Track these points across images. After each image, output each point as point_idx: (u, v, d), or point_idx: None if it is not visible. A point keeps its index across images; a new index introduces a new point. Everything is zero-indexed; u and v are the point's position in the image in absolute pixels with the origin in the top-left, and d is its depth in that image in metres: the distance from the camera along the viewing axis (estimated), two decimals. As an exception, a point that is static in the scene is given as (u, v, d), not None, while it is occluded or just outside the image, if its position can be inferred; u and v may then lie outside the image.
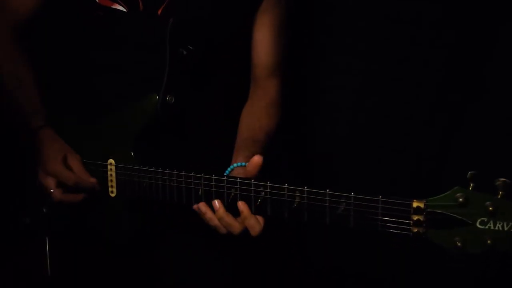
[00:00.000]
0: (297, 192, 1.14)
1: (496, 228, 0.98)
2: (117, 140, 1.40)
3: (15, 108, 1.47)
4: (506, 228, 0.97)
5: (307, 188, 1.13)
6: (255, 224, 1.19)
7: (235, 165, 1.34)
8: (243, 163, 1.32)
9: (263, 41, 1.46)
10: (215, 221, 1.21)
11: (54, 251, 1.50)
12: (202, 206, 1.23)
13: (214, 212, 1.21)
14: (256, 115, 1.46)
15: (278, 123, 1.48)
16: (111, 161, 1.42)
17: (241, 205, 1.19)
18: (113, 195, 1.43)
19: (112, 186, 1.43)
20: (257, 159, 1.18)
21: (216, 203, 1.21)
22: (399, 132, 1.73)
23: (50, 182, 1.41)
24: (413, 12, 1.67)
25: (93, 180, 1.40)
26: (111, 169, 1.42)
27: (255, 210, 1.20)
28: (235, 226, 1.20)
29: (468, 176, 1.00)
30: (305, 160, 1.88)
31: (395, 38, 1.70)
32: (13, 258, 1.52)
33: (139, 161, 1.39)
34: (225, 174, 1.34)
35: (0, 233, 1.55)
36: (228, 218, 1.20)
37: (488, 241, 0.97)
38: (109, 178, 1.43)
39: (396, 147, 1.75)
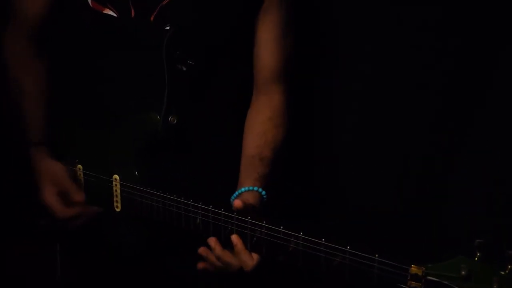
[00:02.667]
0: (292, 237, 1.08)
1: (502, 306, 0.88)
2: (121, 157, 1.38)
3: (18, 117, 1.47)
4: (513, 308, 0.88)
5: (302, 234, 1.07)
6: (248, 259, 1.16)
7: (242, 189, 1.29)
8: (252, 187, 1.28)
9: (267, 42, 1.35)
10: (213, 259, 1.18)
11: (65, 255, 1.53)
12: (212, 241, 1.19)
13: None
14: (263, 128, 1.37)
15: (285, 134, 1.38)
16: (116, 177, 1.40)
17: (235, 238, 1.15)
18: (118, 210, 1.42)
19: (117, 202, 1.42)
20: (236, 203, 1.14)
21: (212, 241, 1.18)
22: (404, 137, 1.65)
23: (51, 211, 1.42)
24: (420, 16, 1.56)
25: (79, 198, 1.38)
26: (115, 184, 1.41)
27: (251, 248, 1.16)
28: (233, 263, 1.17)
29: (475, 244, 0.90)
30: (309, 163, 1.80)
31: (401, 42, 1.59)
32: (24, 259, 1.56)
33: (144, 180, 1.36)
34: (232, 198, 1.30)
35: (15, 234, 1.59)
36: (226, 256, 1.17)
37: (492, 321, 0.88)
38: (114, 194, 1.42)
39: (402, 152, 1.67)
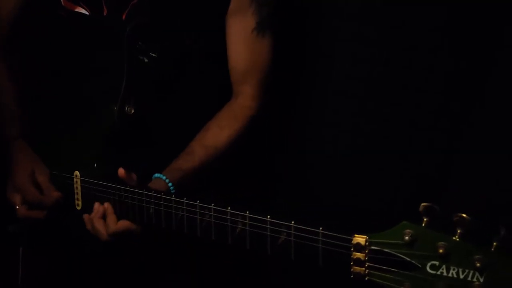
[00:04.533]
0: (239, 217, 1.03)
1: (450, 275, 0.80)
2: (81, 152, 1.36)
3: None
4: (461, 276, 0.79)
5: (249, 213, 1.01)
6: (111, 223, 1.24)
7: (155, 175, 1.28)
8: (161, 175, 1.27)
9: (235, 45, 1.36)
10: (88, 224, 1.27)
11: (28, 260, 1.48)
12: (96, 205, 1.28)
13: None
14: (208, 125, 1.36)
15: (230, 136, 1.35)
16: (77, 173, 1.37)
17: (106, 204, 1.25)
18: (78, 208, 1.38)
19: (78, 199, 1.38)
20: (119, 171, 1.20)
21: (96, 205, 1.26)
22: (401, 139, 1.62)
23: (16, 198, 1.40)
24: (416, 18, 1.54)
25: (56, 194, 1.37)
26: (76, 181, 1.38)
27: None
28: (102, 231, 1.24)
29: (420, 208, 0.83)
30: (305, 166, 1.77)
31: (397, 45, 1.56)
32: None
33: (104, 173, 1.33)
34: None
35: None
36: (98, 224, 1.24)
37: (440, 290, 0.80)
38: (75, 191, 1.38)
39: (399, 155, 1.63)
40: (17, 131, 1.45)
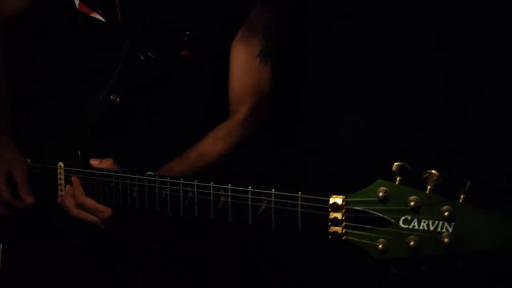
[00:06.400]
0: (222, 190, 1.06)
1: (421, 227, 0.85)
2: (65, 140, 1.38)
3: None
4: (431, 228, 0.84)
5: (231, 186, 1.05)
6: (78, 194, 1.28)
7: (147, 173, 1.27)
8: (152, 174, 1.28)
9: (235, 69, 1.43)
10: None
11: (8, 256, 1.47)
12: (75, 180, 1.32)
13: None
14: (207, 135, 1.41)
15: (224, 149, 1.40)
16: (61, 164, 1.39)
17: (73, 178, 1.31)
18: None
19: (61, 190, 1.40)
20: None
21: (67, 187, 1.33)
22: (401, 139, 1.64)
23: None
24: (416, 18, 1.59)
25: (30, 199, 1.39)
26: (60, 172, 1.40)
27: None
28: (71, 209, 1.29)
29: (394, 168, 0.89)
30: (305, 164, 1.79)
31: (397, 45, 1.61)
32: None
33: (87, 160, 1.35)
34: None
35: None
36: (68, 200, 1.30)
37: (411, 243, 0.84)
38: (59, 182, 1.40)
39: (398, 154, 1.63)
40: (3, 125, 1.47)
